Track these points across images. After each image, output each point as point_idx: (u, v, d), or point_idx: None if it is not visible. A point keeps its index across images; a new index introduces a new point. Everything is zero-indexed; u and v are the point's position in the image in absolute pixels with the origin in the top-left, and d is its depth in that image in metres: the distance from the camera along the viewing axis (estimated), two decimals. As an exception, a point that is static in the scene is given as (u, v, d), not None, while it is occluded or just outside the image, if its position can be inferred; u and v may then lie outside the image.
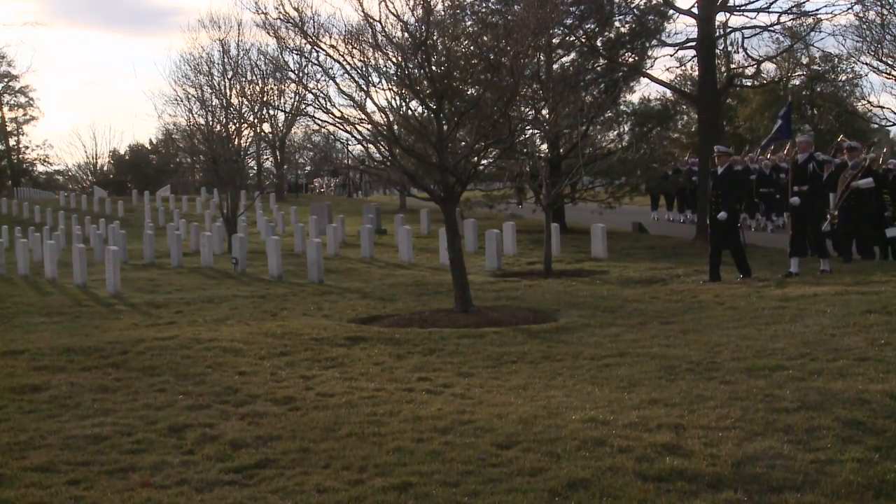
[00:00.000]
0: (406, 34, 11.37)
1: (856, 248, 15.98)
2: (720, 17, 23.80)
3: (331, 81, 11.83)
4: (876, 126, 45.64)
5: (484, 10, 23.34)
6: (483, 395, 7.22)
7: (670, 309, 11.21)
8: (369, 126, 11.90)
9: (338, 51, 11.47)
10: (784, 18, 26.29)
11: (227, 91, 26.45)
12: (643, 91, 71.36)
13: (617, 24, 25.62)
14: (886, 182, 16.06)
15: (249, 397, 7.46)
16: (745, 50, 26.81)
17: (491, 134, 11.87)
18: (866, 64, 36.63)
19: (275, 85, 23.60)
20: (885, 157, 18.75)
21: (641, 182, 26.56)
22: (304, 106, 17.96)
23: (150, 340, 9.96)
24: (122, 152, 75.24)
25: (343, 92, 11.69)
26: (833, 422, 5.97)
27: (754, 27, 25.80)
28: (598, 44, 24.76)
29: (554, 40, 22.46)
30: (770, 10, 24.65)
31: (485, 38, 13.75)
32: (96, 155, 79.64)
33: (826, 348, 8.26)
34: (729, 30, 25.60)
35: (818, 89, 45.53)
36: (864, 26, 33.20)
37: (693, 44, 23.75)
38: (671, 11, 24.78)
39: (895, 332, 8.78)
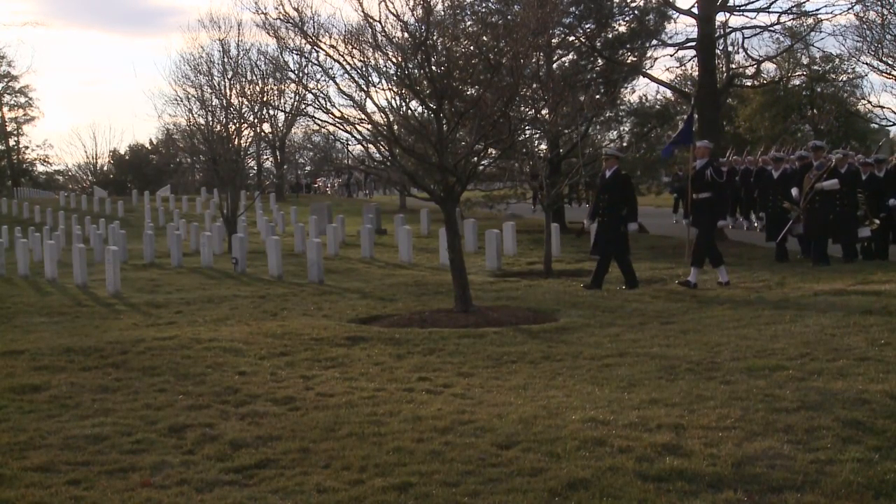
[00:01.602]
0: (406, 34, 11.37)
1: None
2: (720, 17, 23.88)
3: (331, 81, 11.84)
4: (876, 126, 45.69)
5: (484, 10, 23.31)
6: (483, 395, 7.22)
7: (670, 309, 11.21)
8: (369, 126, 11.90)
9: (338, 51, 11.47)
10: (784, 18, 26.42)
11: (227, 91, 26.40)
12: (643, 91, 71.31)
13: (616, 23, 25.65)
14: (860, 181, 15.62)
15: (249, 397, 7.45)
16: (745, 50, 26.95)
17: (491, 134, 11.87)
18: (867, 64, 36.67)
19: (275, 85, 23.61)
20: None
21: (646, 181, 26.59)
22: (304, 106, 17.94)
23: (150, 340, 9.95)
24: (122, 152, 75.39)
25: (343, 92, 11.70)
26: (833, 422, 5.98)
27: (754, 27, 25.92)
28: (598, 44, 24.77)
29: (554, 40, 22.44)
30: (770, 10, 24.77)
31: (485, 38, 13.74)
32: (96, 155, 79.79)
33: (826, 348, 8.26)
34: (729, 30, 25.68)
35: (818, 90, 45.56)
36: (865, 26, 33.21)
37: (693, 44, 23.77)
38: (671, 11, 24.82)
39: (895, 332, 8.80)
